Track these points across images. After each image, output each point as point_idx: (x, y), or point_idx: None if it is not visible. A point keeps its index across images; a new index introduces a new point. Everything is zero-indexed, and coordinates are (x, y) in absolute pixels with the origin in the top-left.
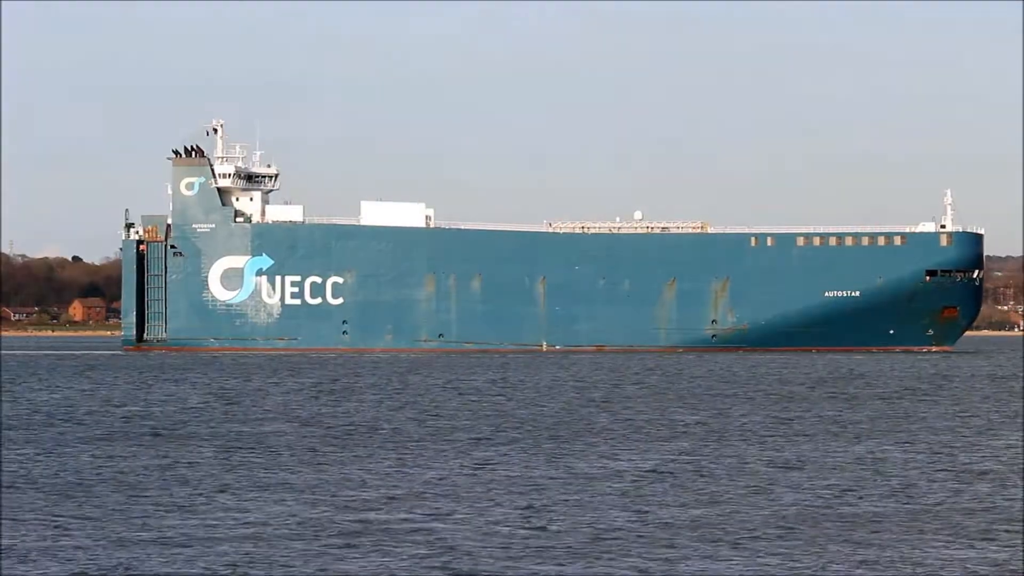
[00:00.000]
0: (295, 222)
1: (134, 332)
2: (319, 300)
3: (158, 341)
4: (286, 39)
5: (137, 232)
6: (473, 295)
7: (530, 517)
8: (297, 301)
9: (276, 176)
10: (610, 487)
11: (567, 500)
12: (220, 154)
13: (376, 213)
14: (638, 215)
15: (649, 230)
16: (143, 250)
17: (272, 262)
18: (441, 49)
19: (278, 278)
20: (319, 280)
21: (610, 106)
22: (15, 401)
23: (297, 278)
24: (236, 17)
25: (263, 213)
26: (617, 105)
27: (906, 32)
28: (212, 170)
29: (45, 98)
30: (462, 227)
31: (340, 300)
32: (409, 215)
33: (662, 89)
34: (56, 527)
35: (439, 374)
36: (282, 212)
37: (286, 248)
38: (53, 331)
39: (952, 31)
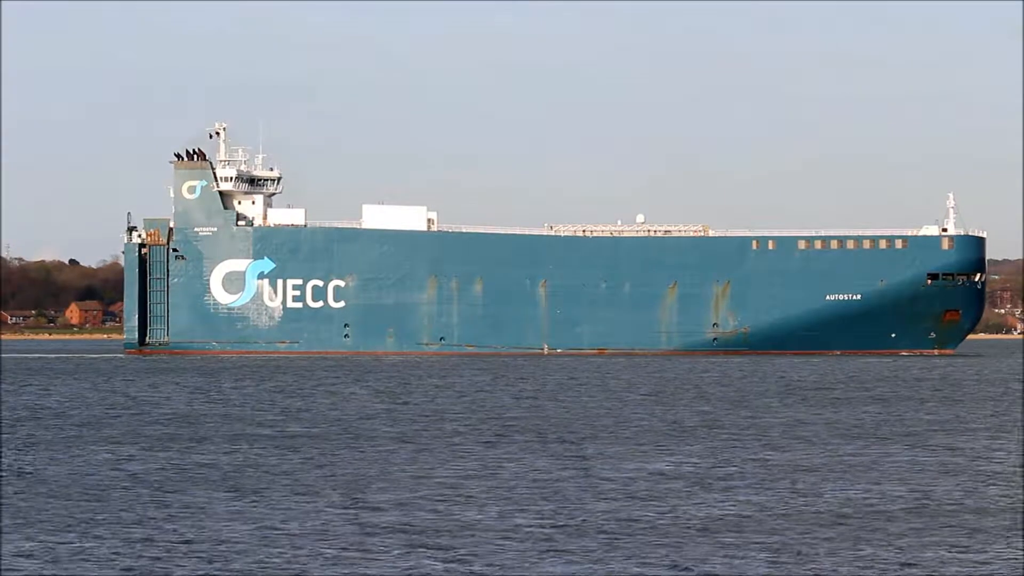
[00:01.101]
0: (297, 225)
1: (136, 335)
2: (321, 303)
3: (160, 344)
4: (286, 39)
5: (139, 235)
6: (474, 298)
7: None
8: (299, 304)
9: (278, 179)
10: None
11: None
12: (222, 157)
13: (377, 216)
14: (640, 218)
15: (651, 233)
16: (145, 253)
17: (274, 265)
18: (441, 49)
19: (280, 281)
20: (321, 283)
21: (610, 106)
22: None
23: (299, 281)
24: (236, 17)
25: (265, 216)
26: (617, 105)
27: (906, 32)
28: (214, 173)
29: (45, 98)
30: (463, 230)
31: (342, 303)
32: (410, 218)
33: (662, 89)
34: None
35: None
36: (284, 215)
37: (288, 251)
38: (50, 334)
39: (952, 31)
